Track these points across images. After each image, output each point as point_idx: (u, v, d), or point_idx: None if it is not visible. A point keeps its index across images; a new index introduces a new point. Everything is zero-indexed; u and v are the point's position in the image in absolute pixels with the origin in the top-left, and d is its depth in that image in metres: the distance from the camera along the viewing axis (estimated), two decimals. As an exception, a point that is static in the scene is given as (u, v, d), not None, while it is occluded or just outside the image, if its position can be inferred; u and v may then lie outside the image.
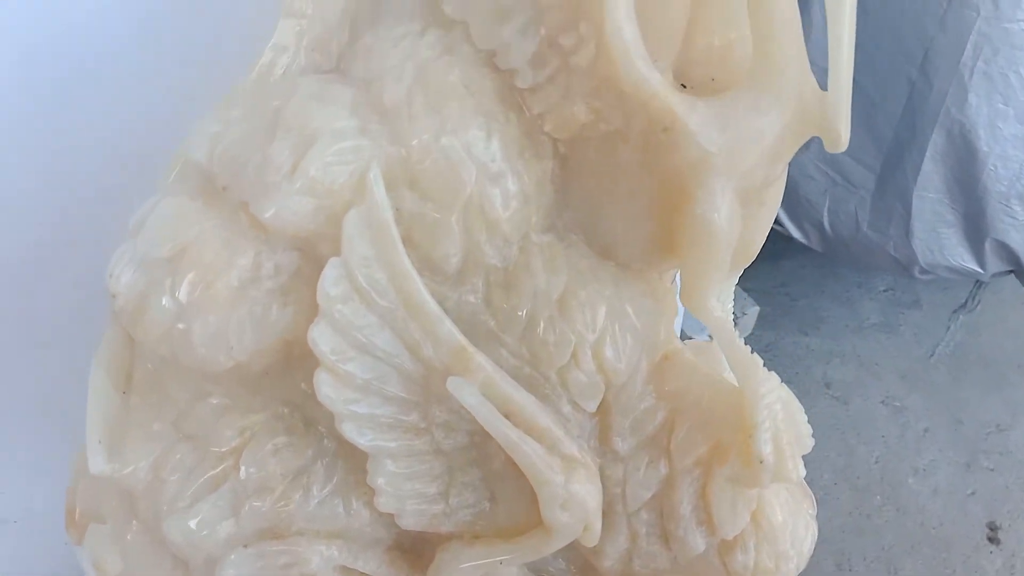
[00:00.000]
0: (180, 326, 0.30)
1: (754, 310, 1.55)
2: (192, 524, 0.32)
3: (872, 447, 1.49)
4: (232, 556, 0.33)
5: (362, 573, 0.34)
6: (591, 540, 0.32)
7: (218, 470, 0.33)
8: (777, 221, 1.30)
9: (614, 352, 0.32)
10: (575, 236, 0.33)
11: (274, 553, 0.33)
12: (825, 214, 1.21)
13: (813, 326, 1.70)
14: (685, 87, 0.33)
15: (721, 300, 0.32)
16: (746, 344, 0.32)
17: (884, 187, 1.12)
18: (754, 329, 1.60)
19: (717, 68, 0.32)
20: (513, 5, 0.30)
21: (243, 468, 0.33)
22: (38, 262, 0.41)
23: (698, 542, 0.33)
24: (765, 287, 1.68)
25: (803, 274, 1.65)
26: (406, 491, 0.33)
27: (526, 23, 0.30)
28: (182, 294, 0.30)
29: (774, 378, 0.32)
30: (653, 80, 0.28)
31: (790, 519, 0.34)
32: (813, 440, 0.33)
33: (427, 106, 0.30)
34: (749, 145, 0.29)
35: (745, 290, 1.60)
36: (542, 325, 0.32)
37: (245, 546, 0.33)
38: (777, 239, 1.32)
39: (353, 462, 0.33)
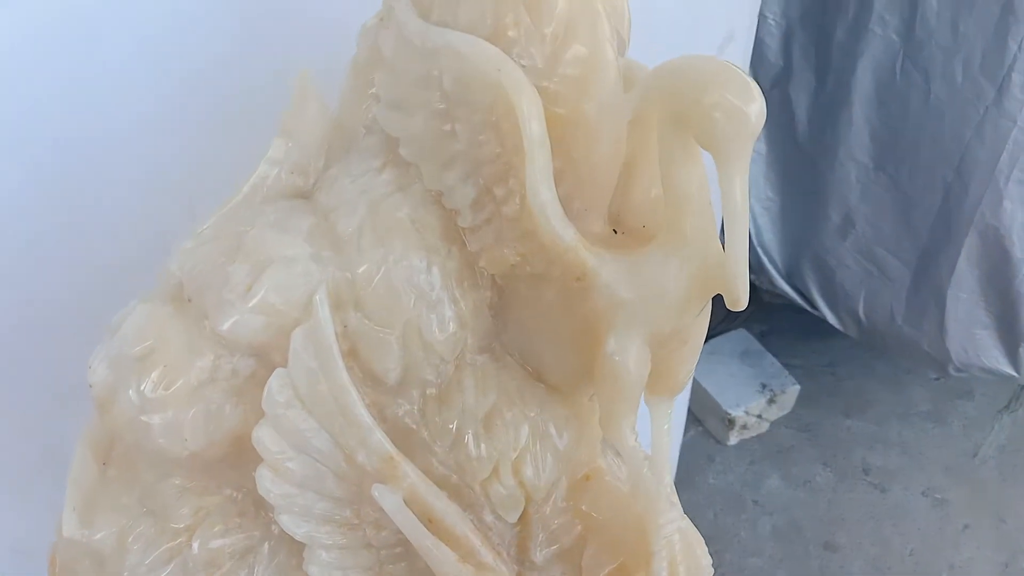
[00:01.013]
0: (143, 418, 0.34)
1: (794, 389, 1.54)
2: (147, 591, 0.36)
3: (908, 539, 1.46)
4: (178, 627, 0.36)
5: (297, 650, 0.37)
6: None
7: (174, 544, 0.36)
8: (814, 306, 1.31)
9: (534, 470, 0.35)
10: (510, 358, 0.37)
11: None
12: (861, 304, 1.21)
13: (858, 409, 1.68)
14: (617, 232, 0.36)
15: (635, 428, 0.35)
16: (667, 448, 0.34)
17: (919, 283, 1.12)
18: (794, 408, 1.59)
19: (648, 217, 0.35)
20: (457, 155, 0.33)
21: (195, 544, 0.36)
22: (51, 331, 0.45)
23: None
24: (810, 364, 1.68)
25: (852, 354, 1.64)
26: (337, 581, 0.36)
27: (467, 172, 0.33)
28: (146, 390, 0.34)
29: (676, 509, 0.34)
30: (567, 236, 0.31)
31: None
32: (712, 571, 0.35)
33: (375, 239, 0.34)
34: (655, 300, 0.32)
35: (787, 366, 1.59)
36: (469, 440, 0.35)
37: (190, 621, 0.36)
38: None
39: (294, 547, 0.36)
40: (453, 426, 0.35)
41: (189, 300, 0.34)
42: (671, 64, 0.31)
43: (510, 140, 0.32)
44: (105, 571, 0.37)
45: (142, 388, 0.34)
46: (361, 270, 0.34)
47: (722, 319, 1.65)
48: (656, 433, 0.39)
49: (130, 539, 0.37)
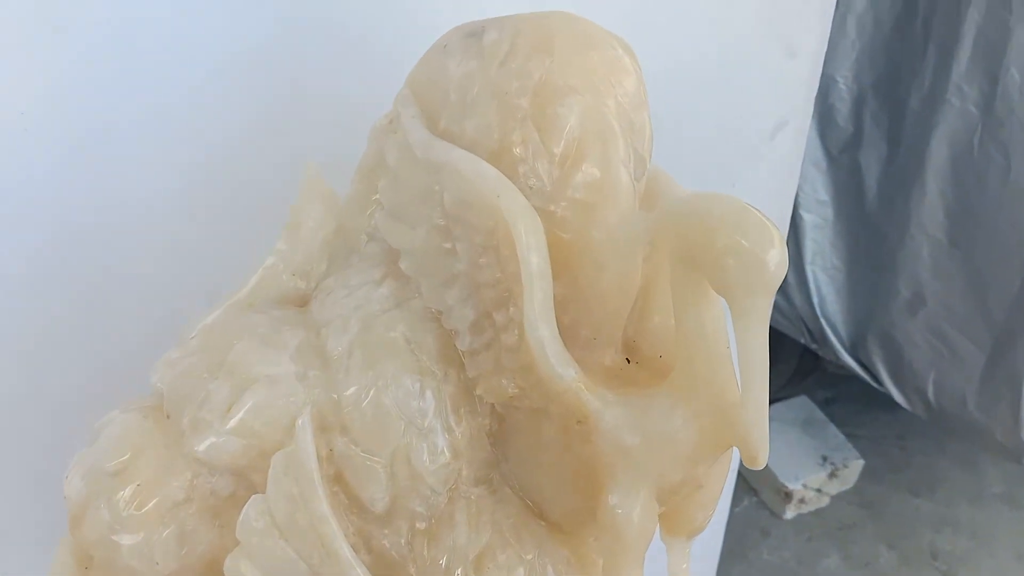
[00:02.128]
0: (113, 537, 0.32)
1: (858, 463, 1.47)
2: None
3: (975, 629, 1.37)
4: None
5: None
6: None
7: None
8: (879, 382, 1.24)
9: (526, 619, 0.32)
10: (509, 490, 0.34)
11: None
12: (930, 385, 1.15)
13: (927, 487, 1.60)
14: (630, 361, 0.33)
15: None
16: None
17: (993, 369, 1.05)
18: (857, 482, 1.52)
19: (666, 346, 0.32)
20: (457, 274, 0.31)
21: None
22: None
23: None
24: (877, 436, 1.60)
25: (922, 428, 1.55)
26: None
27: (467, 293, 0.31)
28: (118, 508, 0.32)
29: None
30: (566, 376, 0.29)
31: None
32: None
33: (365, 360, 0.32)
34: (662, 449, 0.29)
35: (851, 437, 1.52)
36: (459, 581, 0.32)
37: None
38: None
39: None
40: (443, 562, 0.32)
41: (168, 416, 0.32)
42: (685, 197, 0.28)
43: (511, 267, 0.29)
44: None
45: (114, 506, 0.32)
46: (349, 392, 0.31)
47: (783, 384, 1.59)
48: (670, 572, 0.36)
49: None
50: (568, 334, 0.31)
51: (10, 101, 0.38)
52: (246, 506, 0.31)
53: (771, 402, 1.13)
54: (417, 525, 0.33)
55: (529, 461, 0.33)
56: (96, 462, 0.32)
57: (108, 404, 0.35)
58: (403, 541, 0.33)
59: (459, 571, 0.32)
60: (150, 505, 0.32)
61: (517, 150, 0.30)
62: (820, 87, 0.98)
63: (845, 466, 1.46)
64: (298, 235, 0.37)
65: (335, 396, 0.32)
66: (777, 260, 0.25)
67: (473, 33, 0.32)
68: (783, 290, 1.26)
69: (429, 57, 0.33)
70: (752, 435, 0.28)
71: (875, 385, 1.25)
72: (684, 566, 0.36)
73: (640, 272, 0.31)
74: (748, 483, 1.46)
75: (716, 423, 0.28)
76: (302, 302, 0.36)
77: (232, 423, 0.31)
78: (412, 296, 0.33)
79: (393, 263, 0.33)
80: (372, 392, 0.31)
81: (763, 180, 0.58)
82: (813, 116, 1.06)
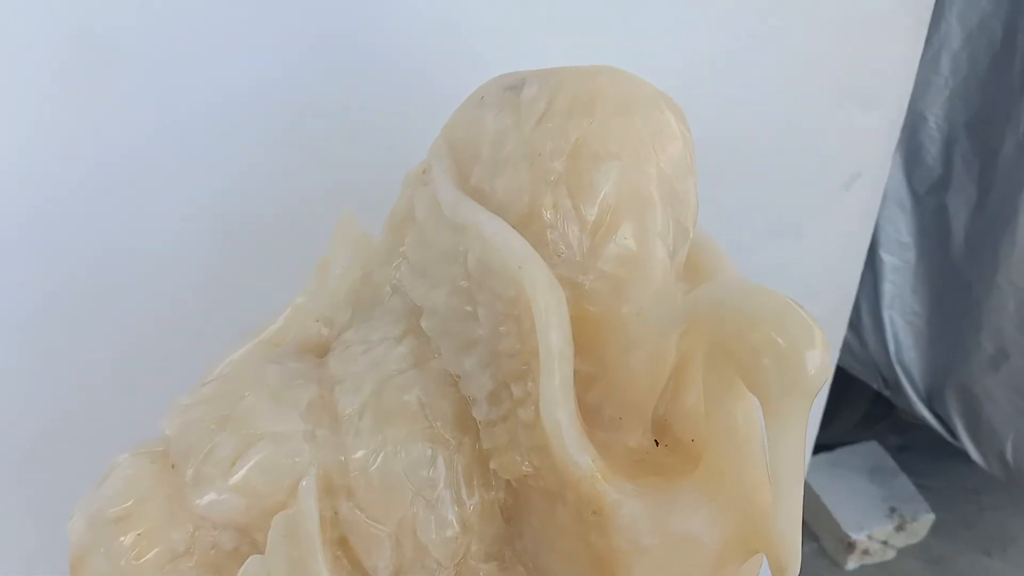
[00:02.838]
0: (115, 595, 0.31)
1: (928, 518, 1.40)
2: None
3: None
4: None
5: None
6: None
7: None
8: (955, 436, 1.18)
9: None
10: (522, 568, 0.32)
11: None
12: (1009, 445, 1.08)
13: (1000, 546, 1.52)
14: (659, 443, 0.30)
15: None
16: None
17: (1080, 435, 0.99)
18: (926, 537, 1.44)
19: (699, 429, 0.30)
20: (477, 340, 0.29)
21: None
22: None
23: None
24: (951, 489, 1.52)
25: (998, 483, 1.47)
26: None
27: (487, 361, 0.29)
28: (117, 557, 0.31)
29: None
30: (582, 464, 0.26)
31: None
32: None
33: (375, 423, 0.30)
34: (684, 551, 0.27)
35: (921, 488, 1.45)
36: (458, 665, 0.30)
37: None
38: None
39: None
40: (444, 643, 0.31)
41: (173, 466, 0.31)
42: (726, 282, 0.25)
43: (531, 340, 0.27)
44: None
45: (113, 554, 0.31)
46: (357, 456, 0.30)
47: (851, 428, 1.52)
48: None
49: None
50: (591, 413, 0.29)
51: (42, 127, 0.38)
52: (244, 566, 0.30)
53: (837, 446, 1.08)
54: (422, 600, 0.31)
55: (543, 544, 0.31)
56: (100, 506, 0.31)
57: (133, 441, 0.34)
58: (406, 615, 0.31)
59: (459, 652, 0.30)
60: (149, 555, 0.31)
61: (548, 215, 0.28)
62: (909, 124, 0.94)
63: (914, 519, 1.39)
64: (326, 279, 0.35)
65: (342, 458, 0.30)
66: (818, 363, 0.23)
67: (512, 87, 0.30)
68: (857, 331, 1.20)
69: (466, 107, 0.31)
70: (782, 547, 0.25)
71: (950, 439, 1.19)
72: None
73: (673, 352, 0.29)
74: (809, 528, 1.41)
75: (744, 527, 0.26)
76: (323, 351, 0.35)
77: (234, 480, 0.30)
78: (431, 357, 0.31)
79: (415, 320, 0.32)
80: (380, 457, 0.30)
81: (835, 230, 0.55)
82: (899, 153, 1.01)
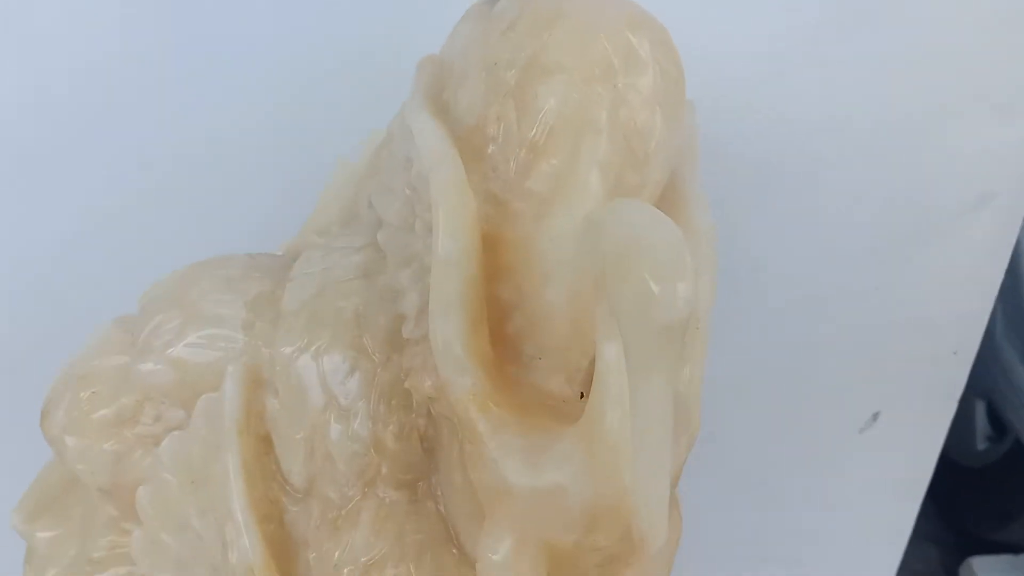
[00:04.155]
0: (64, 438, 0.33)
1: None
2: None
3: None
4: (60, 654, 0.34)
5: None
6: None
7: (83, 571, 0.35)
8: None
9: (396, 650, 0.28)
10: (432, 504, 0.30)
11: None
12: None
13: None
14: (584, 396, 0.28)
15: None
16: None
17: None
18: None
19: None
20: (415, 255, 0.28)
21: (96, 582, 0.34)
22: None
23: None
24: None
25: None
26: None
27: (419, 276, 0.28)
28: (72, 409, 0.33)
29: None
30: (459, 385, 0.25)
31: None
32: None
33: (308, 323, 0.30)
34: (548, 501, 0.24)
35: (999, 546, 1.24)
36: (344, 582, 0.29)
37: (71, 654, 0.34)
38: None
39: None
40: (335, 557, 0.30)
41: (132, 335, 0.32)
42: (618, 208, 0.23)
43: (447, 253, 0.26)
44: (31, 566, 0.36)
45: (70, 407, 0.33)
46: (283, 351, 0.30)
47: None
48: None
49: (58, 552, 0.36)
50: (509, 347, 0.27)
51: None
52: (165, 441, 0.31)
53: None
54: (328, 513, 0.30)
55: (446, 478, 0.29)
56: (69, 365, 0.33)
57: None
58: (313, 525, 0.31)
59: (346, 571, 0.29)
60: (98, 414, 0.32)
61: (491, 129, 0.26)
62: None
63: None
64: (328, 198, 0.36)
65: (272, 353, 0.30)
66: (679, 299, 0.20)
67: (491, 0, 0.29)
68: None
69: (457, 23, 0.31)
70: (638, 508, 0.22)
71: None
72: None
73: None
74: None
75: (612, 487, 0.23)
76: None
77: (171, 352, 0.31)
78: (381, 272, 0.30)
79: (375, 234, 0.31)
80: (303, 357, 0.29)
81: (959, 258, 0.49)
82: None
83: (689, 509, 0.54)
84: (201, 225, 0.46)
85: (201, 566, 0.31)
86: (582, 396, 0.28)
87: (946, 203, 0.47)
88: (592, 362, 0.27)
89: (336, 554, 0.30)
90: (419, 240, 0.28)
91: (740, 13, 0.43)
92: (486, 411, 0.25)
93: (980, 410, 0.90)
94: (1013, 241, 0.48)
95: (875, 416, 0.53)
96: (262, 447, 0.31)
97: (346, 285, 0.30)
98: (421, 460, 0.30)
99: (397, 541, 0.29)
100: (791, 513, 0.57)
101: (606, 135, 0.25)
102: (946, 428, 0.53)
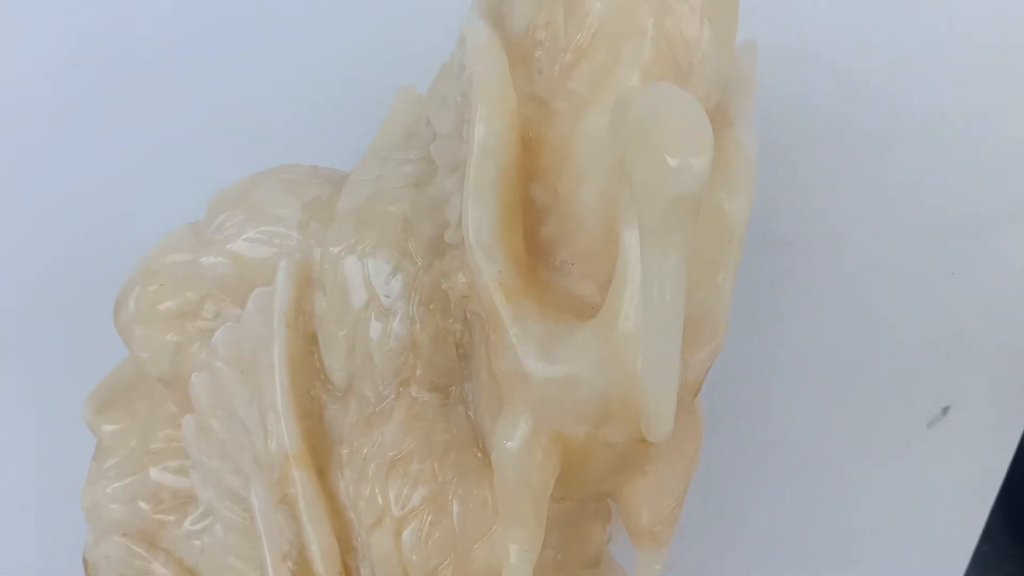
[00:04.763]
0: (132, 327, 0.35)
1: None
2: (107, 490, 0.37)
3: None
4: (112, 536, 0.37)
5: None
6: None
7: (141, 462, 0.37)
8: None
9: (414, 541, 0.29)
10: (463, 410, 0.31)
11: (139, 555, 0.36)
12: None
13: None
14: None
15: (528, 548, 0.27)
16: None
17: None
18: None
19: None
20: (463, 161, 0.29)
21: (151, 472, 0.36)
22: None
23: None
24: None
25: None
26: (226, 563, 0.34)
27: (465, 179, 0.29)
28: (140, 301, 0.35)
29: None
30: (486, 272, 0.26)
31: None
32: None
33: (356, 223, 0.31)
34: (563, 389, 0.25)
35: None
36: (370, 476, 0.30)
37: (124, 534, 0.36)
38: None
39: (231, 525, 0.35)
40: (365, 453, 0.31)
41: (197, 233, 0.34)
42: (641, 87, 0.23)
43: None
44: (96, 459, 0.39)
45: (139, 298, 0.35)
46: (332, 250, 0.31)
47: None
48: None
49: (120, 443, 0.38)
50: (543, 251, 0.28)
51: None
52: (219, 331, 0.33)
53: None
54: (363, 411, 0.31)
55: (476, 384, 0.30)
56: (144, 260, 0.36)
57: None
58: (349, 423, 0.32)
59: (372, 467, 0.30)
60: (163, 306, 0.34)
61: (540, 34, 0.27)
62: None
63: None
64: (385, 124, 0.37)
65: (322, 252, 0.31)
66: (693, 171, 0.20)
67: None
68: None
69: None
70: (647, 395, 0.22)
71: None
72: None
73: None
74: None
75: (624, 377, 0.24)
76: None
77: (230, 247, 0.33)
78: (430, 183, 0.31)
79: (428, 148, 0.32)
80: (349, 255, 0.31)
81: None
82: None
83: (737, 502, 0.53)
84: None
85: (245, 454, 0.32)
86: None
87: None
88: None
89: (366, 449, 0.31)
90: (466, 146, 0.29)
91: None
92: (510, 299, 0.25)
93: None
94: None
95: (945, 410, 0.51)
96: (308, 345, 0.32)
97: (396, 192, 0.31)
98: (455, 366, 0.31)
99: (424, 439, 0.30)
100: (846, 511, 0.55)
101: (650, 40, 0.26)
102: (1022, 427, 0.50)
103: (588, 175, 0.26)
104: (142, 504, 0.36)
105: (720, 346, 0.26)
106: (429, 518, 0.29)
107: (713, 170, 0.26)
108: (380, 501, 0.30)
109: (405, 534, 0.29)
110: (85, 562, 0.39)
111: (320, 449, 0.32)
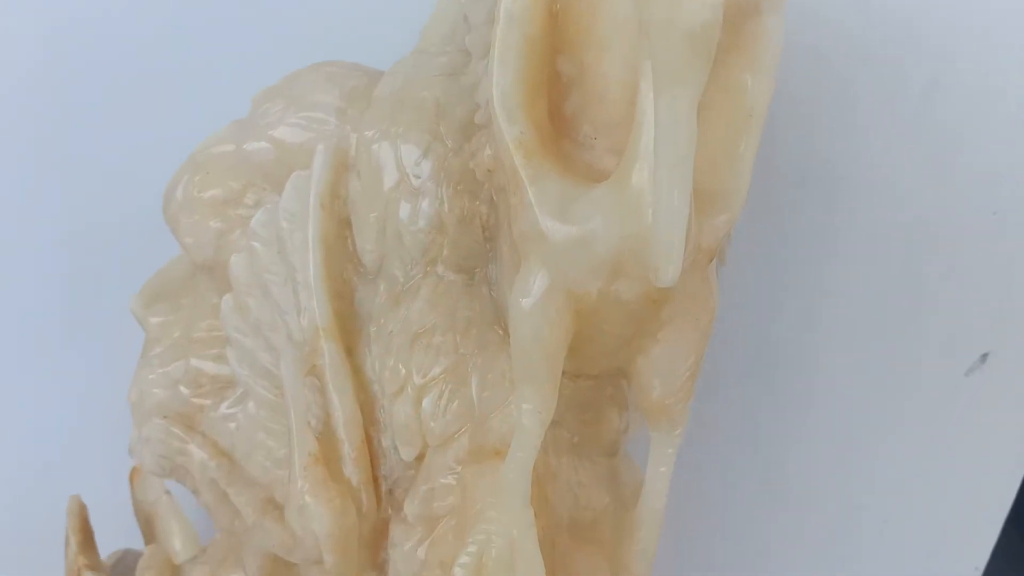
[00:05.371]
0: (179, 216, 0.37)
1: None
2: (149, 376, 0.39)
3: None
4: (153, 419, 0.38)
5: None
6: (332, 574, 0.31)
7: (183, 350, 0.39)
8: None
9: (431, 408, 0.30)
10: (486, 289, 0.32)
11: (177, 436, 0.38)
12: None
13: None
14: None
15: (540, 409, 0.27)
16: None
17: None
18: None
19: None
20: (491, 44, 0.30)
21: (192, 359, 0.38)
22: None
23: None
24: None
25: None
26: (257, 440, 0.35)
27: (495, 60, 0.30)
28: (189, 189, 0.36)
29: (523, 525, 0.27)
30: (508, 133, 0.26)
31: None
32: None
33: (391, 108, 0.32)
34: (578, 245, 0.25)
35: None
36: (394, 349, 0.32)
37: (164, 417, 0.38)
38: None
39: (264, 403, 0.36)
40: (391, 329, 0.32)
41: (243, 128, 0.36)
42: None
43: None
44: (144, 349, 0.41)
45: (186, 187, 0.37)
46: (367, 134, 0.32)
47: None
48: (649, 471, 0.31)
49: (165, 334, 0.40)
50: (567, 126, 0.29)
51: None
52: (257, 212, 0.34)
53: None
54: (392, 290, 0.33)
55: (499, 263, 0.31)
56: (193, 153, 0.37)
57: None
58: (378, 302, 0.33)
59: (397, 340, 0.32)
60: (208, 194, 0.36)
61: None
62: None
63: None
64: (425, 28, 0.38)
65: (358, 136, 0.33)
66: (706, 4, 0.21)
67: None
68: None
69: None
70: (656, 236, 0.23)
71: None
72: (663, 469, 0.31)
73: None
74: None
75: (637, 229, 0.24)
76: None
77: (273, 132, 0.34)
78: (464, 73, 0.32)
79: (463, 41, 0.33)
80: (383, 138, 0.32)
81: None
82: None
83: (769, 454, 0.53)
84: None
85: (278, 332, 0.34)
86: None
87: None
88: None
89: (392, 325, 0.32)
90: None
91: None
92: (530, 159, 0.26)
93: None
94: None
95: (984, 357, 0.50)
96: (342, 229, 0.34)
97: (430, 79, 0.32)
98: (480, 248, 0.32)
99: (448, 314, 0.31)
100: (881, 462, 0.55)
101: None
102: (1064, 370, 0.49)
103: (611, 43, 0.27)
104: (182, 388, 0.38)
105: (735, 218, 0.27)
106: (448, 388, 0.30)
107: (739, 53, 0.27)
108: (403, 371, 0.31)
109: (425, 402, 0.30)
110: (131, 453, 0.41)
111: (349, 329, 0.33)
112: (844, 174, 0.48)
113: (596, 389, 0.31)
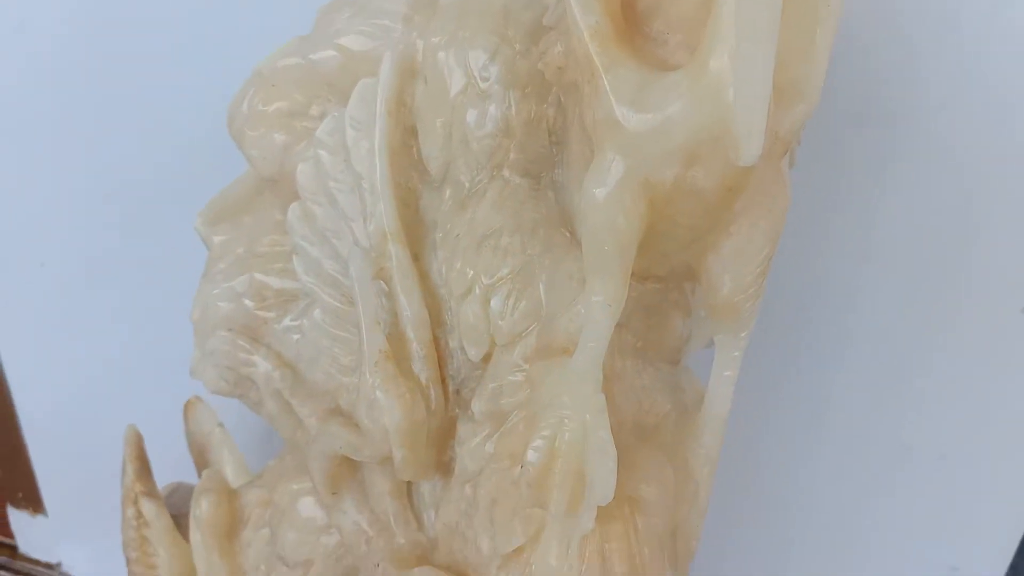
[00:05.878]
0: (244, 129, 0.37)
1: None
2: (213, 291, 0.40)
3: None
4: (220, 332, 0.39)
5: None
6: (400, 469, 0.32)
7: (247, 264, 0.39)
8: None
9: (502, 308, 0.31)
10: (552, 194, 0.32)
11: (242, 347, 0.39)
12: None
13: None
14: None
15: (611, 301, 0.27)
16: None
17: None
18: None
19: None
20: (560, -58, 0.30)
21: (256, 274, 0.39)
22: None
23: (483, 545, 0.30)
24: None
25: None
26: (322, 347, 0.36)
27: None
28: (252, 104, 0.37)
29: (596, 409, 0.27)
30: (583, 23, 0.26)
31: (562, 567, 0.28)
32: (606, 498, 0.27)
33: (458, 14, 0.32)
34: (654, 132, 0.25)
35: None
36: (462, 251, 0.32)
37: (229, 329, 0.39)
38: None
39: (330, 311, 0.37)
40: (457, 234, 0.32)
41: (309, 40, 0.36)
42: None
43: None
44: (207, 266, 0.41)
45: (251, 101, 0.37)
46: (434, 40, 0.32)
47: None
48: (713, 376, 0.31)
49: (228, 251, 0.41)
50: (641, 21, 0.28)
51: None
52: (324, 121, 0.34)
53: None
54: (458, 196, 0.33)
55: (567, 159, 0.31)
56: (258, 67, 0.38)
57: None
58: (443, 209, 0.33)
59: (464, 243, 0.32)
60: (273, 107, 0.36)
61: None
62: None
63: None
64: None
65: (424, 42, 0.33)
66: None
67: None
68: None
69: None
70: (737, 114, 0.23)
71: None
72: (727, 373, 0.31)
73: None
74: None
75: (715, 114, 0.24)
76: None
77: (340, 40, 0.34)
78: (529, -23, 0.32)
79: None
80: (450, 43, 0.32)
81: None
82: None
83: (823, 396, 0.53)
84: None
85: (344, 240, 0.34)
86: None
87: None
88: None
89: (459, 229, 0.32)
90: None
91: None
92: (606, 47, 0.26)
93: None
94: None
95: (1042, 292, 0.50)
96: (407, 138, 0.34)
97: (498, -12, 0.32)
98: (547, 152, 0.32)
99: (514, 216, 0.31)
100: (936, 404, 0.54)
101: None
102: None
103: (687, -63, 0.27)
104: (247, 301, 0.39)
105: (811, 109, 0.27)
106: (516, 287, 0.31)
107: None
108: (470, 273, 0.31)
109: (493, 302, 0.31)
110: (192, 374, 0.42)
111: (415, 235, 0.33)
112: (901, 112, 0.47)
113: (662, 293, 0.32)
